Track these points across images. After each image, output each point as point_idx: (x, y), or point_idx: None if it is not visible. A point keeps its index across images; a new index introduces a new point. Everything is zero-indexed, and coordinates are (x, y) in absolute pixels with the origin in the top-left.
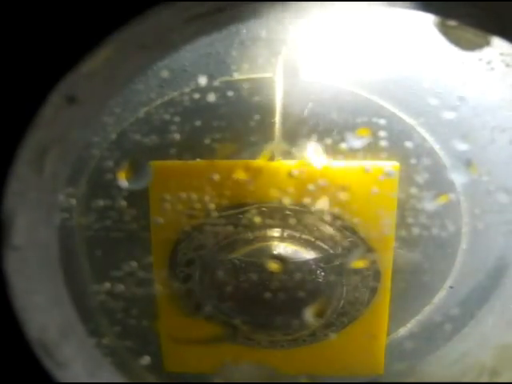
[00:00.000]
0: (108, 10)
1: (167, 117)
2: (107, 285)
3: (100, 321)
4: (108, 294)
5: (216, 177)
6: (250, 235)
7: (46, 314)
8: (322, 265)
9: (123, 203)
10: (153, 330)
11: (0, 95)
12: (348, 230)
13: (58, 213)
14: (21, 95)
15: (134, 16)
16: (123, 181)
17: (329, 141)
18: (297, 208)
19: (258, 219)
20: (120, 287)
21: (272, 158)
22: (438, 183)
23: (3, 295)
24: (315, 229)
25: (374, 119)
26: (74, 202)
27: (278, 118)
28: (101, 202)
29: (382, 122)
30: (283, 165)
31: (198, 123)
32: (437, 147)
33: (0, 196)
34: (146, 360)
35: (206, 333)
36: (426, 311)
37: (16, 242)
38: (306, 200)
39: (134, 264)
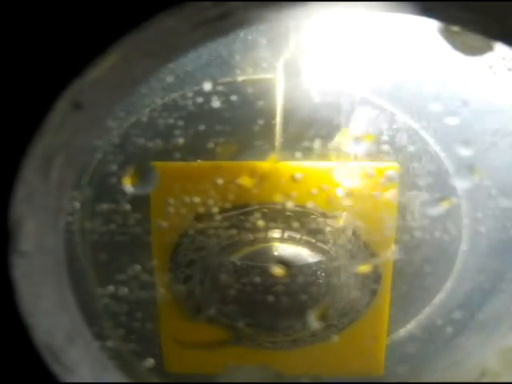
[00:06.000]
0: (114, 18)
1: (170, 120)
2: (111, 288)
3: (104, 324)
4: (112, 297)
5: (217, 178)
6: (250, 236)
7: (53, 319)
8: (322, 266)
9: (127, 207)
10: (156, 332)
11: (7, 102)
12: (348, 231)
13: (64, 218)
14: (28, 102)
15: (139, 23)
16: (129, 186)
17: (331, 144)
18: (298, 210)
19: (258, 220)
20: (124, 290)
21: (274, 161)
22: (440, 187)
23: (11, 301)
24: (316, 230)
25: (377, 123)
26: (78, 205)
27: (279, 121)
28: (105, 206)
29: (385, 126)
30: (285, 167)
31: (200, 126)
32: (439, 151)
33: (7, 202)
34: (149, 362)
35: (208, 336)
36: (426, 312)
37: (23, 247)
38: (307, 202)
39: (137, 267)
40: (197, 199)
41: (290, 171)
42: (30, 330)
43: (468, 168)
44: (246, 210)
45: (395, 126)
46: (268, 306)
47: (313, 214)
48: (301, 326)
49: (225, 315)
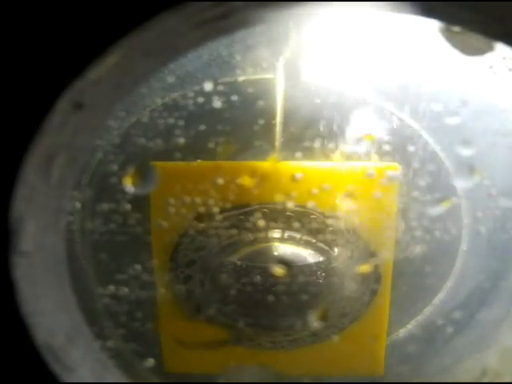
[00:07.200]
0: (114, 18)
1: (170, 120)
2: (111, 288)
3: (104, 324)
4: (112, 297)
5: (217, 178)
6: (250, 236)
7: (54, 319)
8: (322, 266)
9: (128, 207)
10: (156, 332)
11: (8, 102)
12: (349, 231)
13: (65, 218)
14: (28, 102)
15: (139, 23)
16: (129, 186)
17: (331, 144)
18: (298, 209)
19: (259, 220)
20: (124, 290)
21: (274, 161)
22: (440, 187)
23: (11, 300)
24: (316, 230)
25: (377, 123)
26: (79, 205)
27: (279, 121)
28: (105, 206)
29: (385, 125)
30: (285, 167)
31: (200, 126)
32: (439, 151)
33: (8, 202)
34: (149, 362)
35: (208, 336)
36: (426, 312)
37: (24, 247)
38: (308, 202)
39: (137, 267)
40: (197, 199)
41: (291, 171)
42: (31, 330)
43: (468, 168)
44: (247, 209)
45: (395, 126)
46: (268, 306)
47: (313, 214)
48: (301, 326)
49: (225, 315)
